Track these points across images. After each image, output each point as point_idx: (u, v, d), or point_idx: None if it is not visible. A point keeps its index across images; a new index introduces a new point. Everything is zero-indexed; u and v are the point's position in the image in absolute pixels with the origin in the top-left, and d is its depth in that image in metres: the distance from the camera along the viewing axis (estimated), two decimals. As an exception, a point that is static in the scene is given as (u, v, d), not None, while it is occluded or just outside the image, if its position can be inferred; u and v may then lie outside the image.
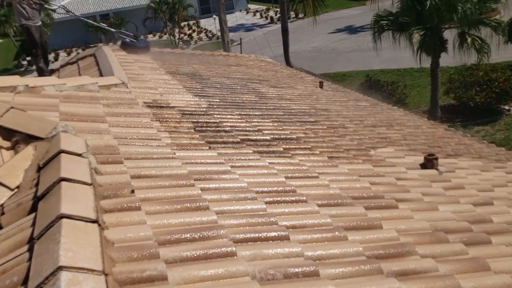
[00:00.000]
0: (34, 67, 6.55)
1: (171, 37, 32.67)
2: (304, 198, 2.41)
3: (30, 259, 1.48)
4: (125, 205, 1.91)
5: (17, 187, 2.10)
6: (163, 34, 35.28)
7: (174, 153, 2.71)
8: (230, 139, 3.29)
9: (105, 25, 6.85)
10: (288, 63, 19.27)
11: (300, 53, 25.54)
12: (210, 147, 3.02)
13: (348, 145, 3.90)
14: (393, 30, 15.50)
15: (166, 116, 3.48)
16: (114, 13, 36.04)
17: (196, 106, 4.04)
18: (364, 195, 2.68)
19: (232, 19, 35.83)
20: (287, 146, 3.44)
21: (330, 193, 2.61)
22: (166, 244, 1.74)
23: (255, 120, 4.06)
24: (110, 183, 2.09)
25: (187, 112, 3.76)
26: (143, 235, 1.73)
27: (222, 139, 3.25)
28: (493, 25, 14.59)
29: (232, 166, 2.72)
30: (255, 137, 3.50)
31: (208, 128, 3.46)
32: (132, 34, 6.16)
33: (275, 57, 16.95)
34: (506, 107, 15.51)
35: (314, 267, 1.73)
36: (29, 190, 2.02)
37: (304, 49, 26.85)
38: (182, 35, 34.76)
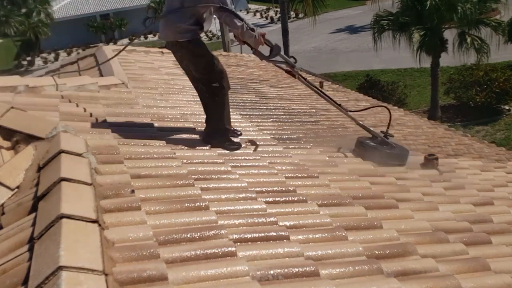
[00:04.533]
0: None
1: (171, 37, 32.63)
2: (304, 198, 2.41)
3: (30, 259, 1.48)
4: (125, 205, 1.91)
5: (17, 187, 2.10)
6: (163, 34, 35.25)
7: (174, 153, 2.71)
8: (230, 139, 3.29)
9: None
10: (288, 63, 19.24)
11: (300, 53, 25.52)
12: (210, 147, 3.01)
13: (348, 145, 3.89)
14: (393, 30, 15.51)
15: (166, 116, 3.48)
16: (114, 13, 36.02)
17: (196, 106, 4.04)
18: (364, 195, 2.68)
19: (232, 19, 35.76)
20: (287, 146, 3.44)
21: (330, 193, 2.61)
22: (166, 244, 1.74)
23: (255, 120, 4.06)
24: (110, 183, 2.10)
25: (187, 112, 3.76)
26: (143, 235, 1.73)
27: (222, 139, 3.24)
28: (493, 25, 14.60)
29: (232, 166, 2.72)
30: (255, 137, 3.50)
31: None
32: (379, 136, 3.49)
33: (275, 57, 16.92)
34: (506, 107, 15.51)
35: (314, 267, 1.72)
36: (29, 190, 2.02)
37: (304, 49, 26.84)
38: (182, 35, 34.69)
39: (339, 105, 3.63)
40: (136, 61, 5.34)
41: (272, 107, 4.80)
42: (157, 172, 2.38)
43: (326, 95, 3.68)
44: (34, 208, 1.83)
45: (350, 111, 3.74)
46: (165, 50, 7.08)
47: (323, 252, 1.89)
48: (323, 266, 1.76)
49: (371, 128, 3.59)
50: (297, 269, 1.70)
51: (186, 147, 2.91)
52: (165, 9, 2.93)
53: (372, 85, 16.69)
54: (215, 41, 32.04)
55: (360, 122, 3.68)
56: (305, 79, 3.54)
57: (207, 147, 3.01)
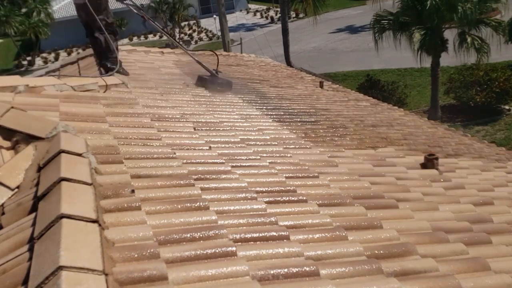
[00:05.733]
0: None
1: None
2: (304, 198, 2.41)
3: (30, 259, 1.48)
4: (125, 205, 1.91)
5: (17, 187, 2.10)
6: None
7: (174, 153, 2.71)
8: (230, 139, 3.29)
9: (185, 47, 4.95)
10: (288, 63, 19.29)
11: (300, 53, 25.55)
12: (210, 147, 3.02)
13: (348, 145, 3.90)
14: (394, 30, 15.53)
15: (166, 116, 3.48)
16: (114, 13, 35.99)
17: (196, 106, 4.04)
18: (364, 195, 2.68)
19: (233, 19, 35.84)
20: (287, 146, 3.44)
21: (330, 193, 2.61)
22: (166, 244, 1.74)
23: (255, 120, 4.06)
24: (110, 183, 2.10)
25: (187, 111, 3.76)
26: (143, 235, 1.73)
27: (222, 139, 3.25)
28: (493, 25, 14.62)
29: (232, 166, 2.72)
30: (255, 137, 3.50)
31: (208, 128, 3.46)
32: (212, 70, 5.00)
33: (275, 57, 16.96)
34: (506, 107, 15.52)
35: (314, 267, 1.72)
36: (29, 190, 2.02)
37: (304, 49, 26.85)
38: (182, 35, 34.76)
39: (180, 44, 5.22)
40: (136, 61, 5.34)
41: (272, 107, 4.80)
42: (157, 172, 2.38)
43: (174, 38, 5.43)
44: (34, 208, 1.83)
45: (191, 51, 5.36)
46: (165, 50, 7.08)
47: (323, 252, 1.89)
48: (323, 266, 1.76)
49: (206, 65, 5.08)
50: (297, 269, 1.70)
51: (186, 147, 2.92)
52: None
53: (372, 85, 16.72)
54: (215, 41, 32.06)
55: (197, 59, 5.17)
56: (153, 21, 5.10)
57: (207, 147, 3.01)
